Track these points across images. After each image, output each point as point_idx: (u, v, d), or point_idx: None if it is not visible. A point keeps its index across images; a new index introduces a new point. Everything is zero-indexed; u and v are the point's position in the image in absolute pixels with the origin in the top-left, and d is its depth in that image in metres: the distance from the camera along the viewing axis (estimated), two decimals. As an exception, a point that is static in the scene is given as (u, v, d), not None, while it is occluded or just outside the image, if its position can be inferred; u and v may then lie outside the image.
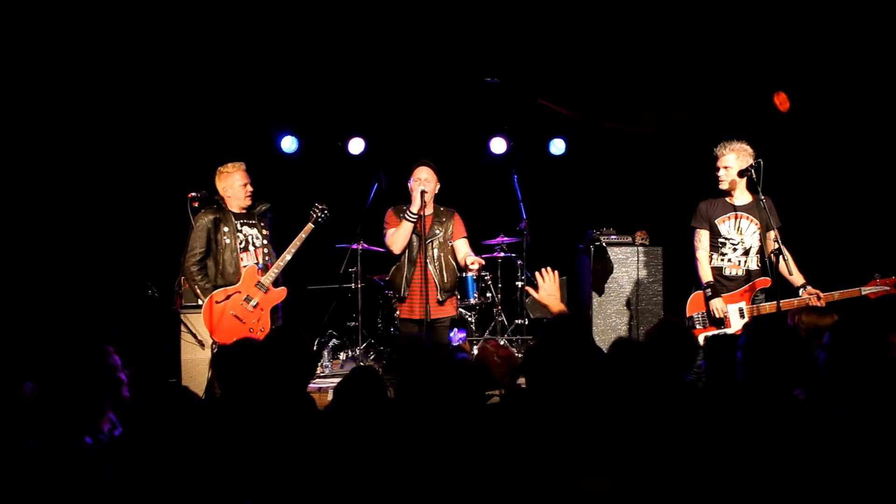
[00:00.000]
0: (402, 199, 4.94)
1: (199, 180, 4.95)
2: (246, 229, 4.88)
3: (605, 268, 6.09)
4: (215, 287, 4.70)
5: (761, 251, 4.64)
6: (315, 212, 4.86)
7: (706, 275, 4.71)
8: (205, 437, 2.07)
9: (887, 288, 4.42)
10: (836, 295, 4.42)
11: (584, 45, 6.26)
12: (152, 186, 6.19)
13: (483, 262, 4.87)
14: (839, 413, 2.29)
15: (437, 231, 4.88)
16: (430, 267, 4.81)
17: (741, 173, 4.61)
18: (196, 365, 5.59)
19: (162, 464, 1.96)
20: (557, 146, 7.54)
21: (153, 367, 5.32)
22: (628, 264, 6.08)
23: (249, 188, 4.87)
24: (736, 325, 4.57)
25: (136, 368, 2.77)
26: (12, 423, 2.39)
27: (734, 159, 4.64)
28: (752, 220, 4.66)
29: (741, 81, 6.30)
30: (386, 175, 6.05)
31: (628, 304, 6.05)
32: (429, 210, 4.90)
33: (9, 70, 5.53)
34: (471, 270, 4.83)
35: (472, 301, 5.98)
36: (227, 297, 4.71)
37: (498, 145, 7.41)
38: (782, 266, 4.50)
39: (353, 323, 6.57)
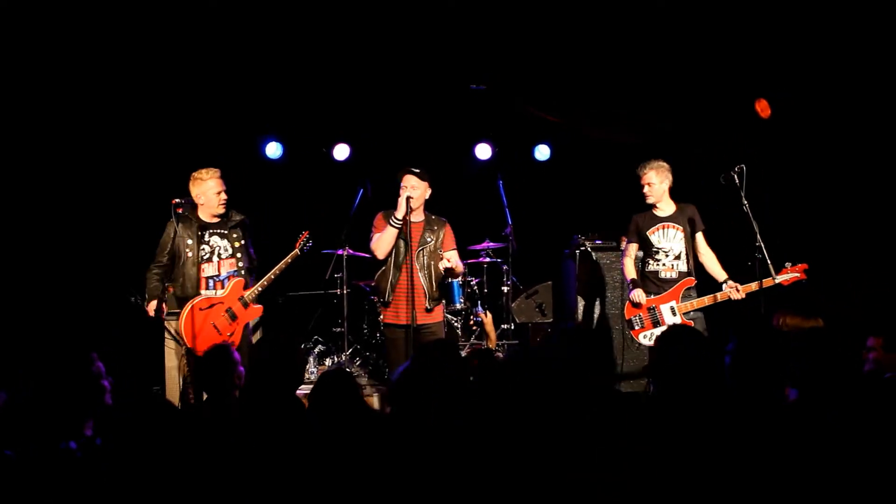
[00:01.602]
0: (388, 204, 4.93)
1: (183, 186, 4.92)
2: (215, 239, 4.84)
3: (591, 272, 6.15)
4: (180, 297, 4.73)
5: (690, 254, 5.02)
6: (301, 240, 4.93)
7: (630, 273, 5.13)
8: (188, 445, 2.06)
9: (797, 275, 4.80)
10: (755, 286, 4.77)
11: (570, 53, 6.29)
12: (136, 192, 6.14)
13: (461, 269, 4.99)
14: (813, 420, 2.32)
15: (429, 239, 4.87)
16: (420, 275, 4.81)
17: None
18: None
19: (146, 470, 1.94)
20: (542, 152, 7.57)
21: (137, 375, 5.28)
22: (613, 269, 6.12)
23: (224, 196, 4.83)
24: (669, 320, 4.93)
25: (119, 376, 2.75)
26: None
27: (655, 176, 5.08)
28: (677, 228, 5.07)
29: (724, 90, 6.35)
30: (371, 181, 6.05)
31: (613, 308, 6.09)
32: (419, 217, 4.89)
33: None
34: (444, 267, 4.78)
35: (458, 306, 5.97)
36: (211, 307, 4.69)
37: (483, 151, 7.43)
38: (710, 263, 5.00)
39: (339, 329, 6.55)
